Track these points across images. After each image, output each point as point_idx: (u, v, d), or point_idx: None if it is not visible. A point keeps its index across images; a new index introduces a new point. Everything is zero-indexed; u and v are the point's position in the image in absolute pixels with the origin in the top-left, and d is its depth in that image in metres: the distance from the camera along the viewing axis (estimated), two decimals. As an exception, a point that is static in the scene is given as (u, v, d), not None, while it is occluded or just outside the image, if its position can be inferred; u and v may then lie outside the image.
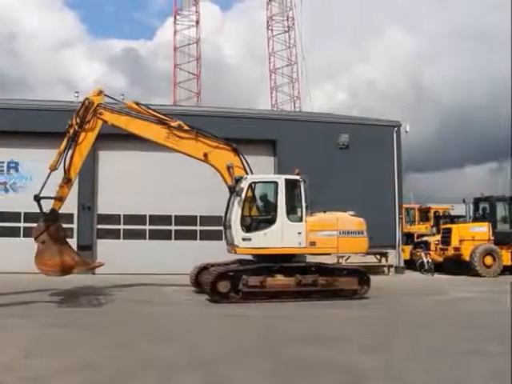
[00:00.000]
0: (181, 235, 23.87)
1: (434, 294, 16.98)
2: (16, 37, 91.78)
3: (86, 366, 7.40)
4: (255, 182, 15.60)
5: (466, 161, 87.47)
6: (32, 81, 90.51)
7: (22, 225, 22.30)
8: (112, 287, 17.01)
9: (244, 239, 14.85)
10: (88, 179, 21.98)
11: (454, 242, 24.51)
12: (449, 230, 25.23)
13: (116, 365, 7.55)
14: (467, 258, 23.55)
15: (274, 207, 15.22)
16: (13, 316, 11.48)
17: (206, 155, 15.96)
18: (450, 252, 24.62)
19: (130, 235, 23.58)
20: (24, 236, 21.42)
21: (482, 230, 24.39)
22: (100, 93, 15.61)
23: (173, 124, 15.90)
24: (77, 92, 26.61)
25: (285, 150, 24.14)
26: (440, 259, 25.20)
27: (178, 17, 48.65)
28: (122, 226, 23.66)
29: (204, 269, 16.41)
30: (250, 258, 15.87)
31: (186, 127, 15.98)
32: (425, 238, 27.82)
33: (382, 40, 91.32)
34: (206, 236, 23.65)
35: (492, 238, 24.19)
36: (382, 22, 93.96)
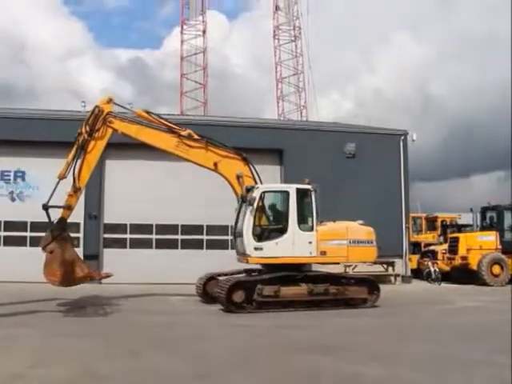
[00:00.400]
0: (187, 244, 23.80)
1: (442, 304, 16.89)
2: (24, 47, 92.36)
3: (93, 376, 7.39)
4: (267, 192, 15.59)
5: (474, 169, 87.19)
6: (39, 90, 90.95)
7: (28, 234, 22.26)
8: (118, 297, 16.95)
9: (256, 248, 14.83)
10: (95, 188, 21.88)
11: (462, 251, 24.38)
12: (456, 239, 25.10)
13: (123, 375, 7.53)
14: (475, 267, 23.40)
15: (286, 216, 15.24)
16: (20, 325, 11.50)
17: (215, 164, 15.92)
18: (458, 261, 24.46)
19: (137, 244, 23.52)
20: (30, 245, 21.38)
21: (490, 239, 24.27)
22: (110, 101, 15.54)
23: (183, 133, 15.88)
24: (83, 101, 26.73)
25: (291, 159, 24.13)
26: (447, 268, 25.05)
27: (184, 26, 48.78)
28: (128, 235, 23.61)
29: (211, 279, 16.34)
30: (255, 267, 15.87)
31: (196, 136, 15.97)
32: (432, 247, 27.69)
33: (389, 49, 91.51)
34: (213, 245, 23.63)
35: (499, 246, 24.04)
36: (389, 31, 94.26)
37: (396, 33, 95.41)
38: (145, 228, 23.66)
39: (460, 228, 27.87)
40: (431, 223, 32.30)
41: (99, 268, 20.85)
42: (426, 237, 31.08)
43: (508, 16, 48.32)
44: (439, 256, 25.88)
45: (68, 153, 14.96)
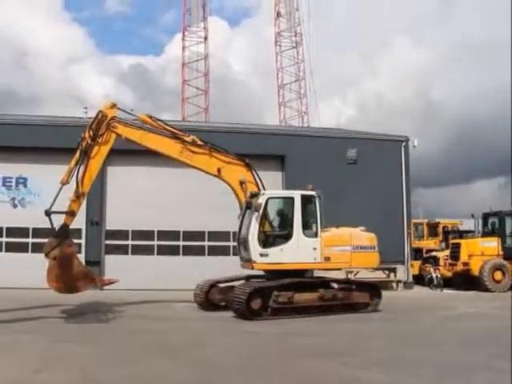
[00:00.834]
0: (189, 251, 23.76)
1: (443, 310, 16.87)
2: (26, 53, 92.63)
3: (94, 382, 7.44)
4: (272, 198, 15.64)
5: (475, 175, 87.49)
6: (41, 96, 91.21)
7: (30, 240, 22.24)
8: (120, 303, 16.90)
9: (261, 255, 14.87)
10: (96, 194, 21.79)
11: (463, 257, 24.32)
12: (458, 245, 25.03)
13: (123, 381, 7.56)
14: (476, 273, 23.35)
15: (290, 223, 15.32)
16: (22, 331, 11.52)
17: (219, 170, 15.93)
18: (459, 267, 24.39)
19: (139, 250, 23.48)
20: (32, 252, 21.37)
21: (491, 244, 24.24)
22: (113, 106, 15.51)
23: (187, 139, 15.89)
24: (85, 107, 26.80)
25: (293, 165, 24.15)
26: (449, 274, 24.98)
27: (186, 33, 48.92)
28: (130, 242, 23.57)
29: (212, 286, 16.22)
30: (256, 273, 15.86)
31: (199, 142, 15.98)
32: (434, 253, 27.64)
33: (391, 54, 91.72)
34: (215, 251, 23.60)
35: (501, 252, 24.03)
36: (390, 36, 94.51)
37: (397, 38, 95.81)
38: (146, 234, 23.62)
39: (462, 234, 27.83)
40: (433, 229, 32.29)
41: (101, 274, 20.81)
42: (428, 243, 31.06)
43: (508, 21, 48.39)
44: (441, 262, 25.83)
45: (70, 159, 14.87)
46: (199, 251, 23.83)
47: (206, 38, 48.84)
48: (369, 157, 24.99)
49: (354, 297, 15.60)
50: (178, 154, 15.87)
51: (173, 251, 23.63)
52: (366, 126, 77.96)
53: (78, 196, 14.70)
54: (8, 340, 10.40)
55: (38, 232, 20.62)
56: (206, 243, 24.00)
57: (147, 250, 23.51)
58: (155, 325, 13.11)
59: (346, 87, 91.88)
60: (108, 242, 23.45)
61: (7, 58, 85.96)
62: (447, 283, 24.44)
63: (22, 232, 22.38)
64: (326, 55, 77.91)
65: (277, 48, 50.95)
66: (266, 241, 15.21)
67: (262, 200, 15.12)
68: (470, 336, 11.81)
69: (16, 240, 22.47)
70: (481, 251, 24.11)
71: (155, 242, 23.74)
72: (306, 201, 15.52)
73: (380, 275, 23.27)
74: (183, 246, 23.88)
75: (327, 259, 15.29)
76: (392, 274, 24.32)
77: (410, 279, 25.29)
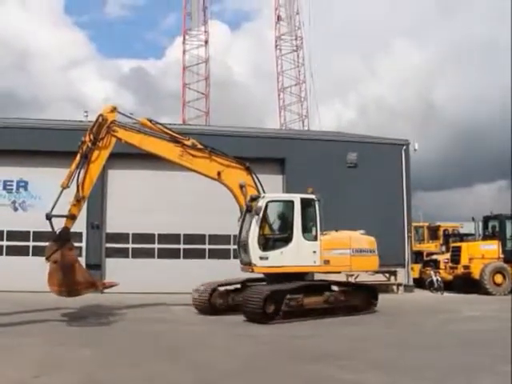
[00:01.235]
0: (189, 254, 23.79)
1: (444, 313, 16.87)
2: (27, 57, 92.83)
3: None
4: (272, 201, 15.67)
5: (475, 179, 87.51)
6: (42, 100, 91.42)
7: (31, 244, 22.31)
8: (121, 306, 16.93)
9: (261, 258, 14.90)
10: (97, 198, 21.82)
11: (464, 260, 24.31)
12: (458, 248, 25.04)
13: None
14: (477, 277, 23.34)
15: (290, 226, 15.36)
16: (23, 335, 11.52)
17: (219, 174, 15.97)
18: (460, 270, 24.41)
19: (139, 254, 23.51)
20: (33, 255, 21.44)
21: (492, 248, 24.24)
22: (114, 110, 15.55)
23: (187, 142, 15.93)
24: (86, 111, 26.82)
25: (293, 168, 24.18)
26: (449, 277, 24.98)
27: (186, 36, 48.85)
28: (130, 245, 23.60)
29: (214, 290, 15.96)
30: (254, 276, 15.89)
31: (199, 146, 16.02)
32: (434, 257, 27.64)
33: (391, 57, 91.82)
34: (215, 255, 23.62)
35: (502, 255, 24.04)
36: (390, 40, 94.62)
37: (397, 41, 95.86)
38: (147, 238, 23.63)
39: (462, 237, 27.81)
40: (433, 232, 32.30)
41: (102, 278, 20.84)
42: (429, 246, 31.07)
43: (508, 23, 48.46)
44: (441, 265, 25.82)
45: (71, 162, 14.92)
46: (200, 254, 23.83)
47: (206, 42, 48.83)
48: (369, 160, 25.00)
49: (354, 299, 15.77)
50: (178, 158, 15.90)
51: (173, 254, 23.65)
52: (367, 130, 78.13)
53: (78, 200, 14.74)
54: (8, 343, 10.41)
55: (38, 235, 20.67)
56: (207, 246, 24.03)
57: (148, 254, 23.54)
58: (156, 328, 13.11)
59: (347, 90, 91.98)
60: (108, 245, 23.47)
61: (8, 61, 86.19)
62: (448, 286, 24.43)
63: (23, 235, 22.44)
64: (326, 58, 78.10)
65: (277, 51, 50.94)
66: (266, 244, 15.24)
67: (261, 203, 15.14)
68: (471, 339, 11.79)
69: (17, 243, 22.53)
70: (481, 254, 24.10)
71: (156, 246, 23.76)
72: (306, 204, 15.55)
73: (380, 278, 23.29)
74: (184, 250, 23.90)
75: (327, 262, 15.32)
76: (392, 278, 24.31)
77: (411, 282, 25.27)
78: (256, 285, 15.64)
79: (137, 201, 22.65)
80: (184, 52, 48.77)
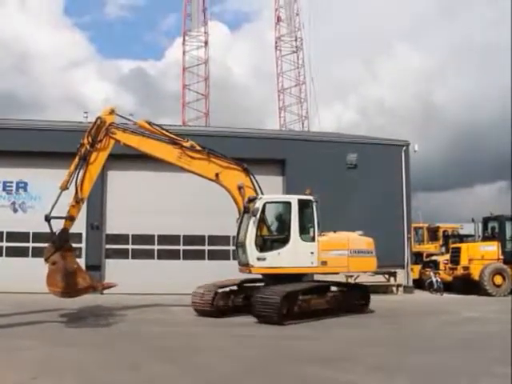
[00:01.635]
0: (189, 255, 23.82)
1: (443, 314, 16.81)
2: (27, 58, 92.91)
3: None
4: (269, 202, 15.67)
5: (475, 180, 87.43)
6: (42, 101, 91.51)
7: (30, 245, 22.35)
8: (120, 307, 16.92)
9: (259, 259, 14.90)
10: (97, 199, 21.92)
11: (464, 261, 24.32)
12: (458, 250, 25.03)
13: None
14: (477, 278, 23.34)
15: (288, 227, 15.35)
16: (22, 336, 11.47)
17: (217, 175, 15.98)
18: (460, 271, 24.41)
19: (139, 255, 23.55)
20: (32, 256, 21.47)
21: (492, 249, 24.23)
22: (112, 112, 15.58)
23: (185, 144, 15.95)
24: (86, 112, 26.90)
25: (293, 169, 24.21)
26: (449, 279, 25.00)
27: (186, 37, 48.97)
28: (130, 246, 23.64)
29: (217, 292, 15.70)
30: (251, 277, 15.89)
31: (198, 147, 16.04)
32: (434, 258, 27.68)
33: (391, 58, 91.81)
34: (215, 255, 23.65)
35: (501, 257, 24.03)
36: (391, 41, 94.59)
37: (397, 42, 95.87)
38: (147, 238, 23.67)
39: (462, 238, 27.81)
40: (433, 233, 32.31)
41: (101, 279, 20.86)
42: (428, 247, 31.10)
43: (508, 26, 48.47)
44: (441, 266, 25.85)
45: (70, 164, 14.96)
46: (199, 255, 23.88)
47: (206, 43, 48.92)
48: (369, 161, 25.01)
49: (352, 299, 15.99)
50: (177, 159, 15.92)
51: (173, 255, 23.69)
52: (367, 131, 78.13)
53: (77, 201, 14.79)
54: (7, 345, 10.39)
55: (38, 236, 20.65)
56: (206, 247, 24.06)
57: (147, 255, 23.56)
58: (155, 329, 13.09)
59: (347, 91, 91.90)
60: (108, 246, 23.53)
61: (9, 63, 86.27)
62: (447, 287, 24.45)
63: (23, 236, 22.48)
64: (327, 60, 78.06)
65: (277, 53, 51.02)
66: (264, 245, 15.24)
67: (258, 204, 15.15)
68: (471, 340, 11.74)
69: (16, 244, 22.57)
70: (481, 255, 24.11)
71: (155, 247, 23.80)
72: (303, 205, 15.55)
73: (380, 279, 23.31)
74: (183, 251, 23.94)
75: (324, 263, 15.31)
76: (392, 278, 24.31)
77: (410, 283, 25.29)
78: (257, 285, 15.67)
79: (136, 202, 22.68)
80: (184, 53, 48.91)
